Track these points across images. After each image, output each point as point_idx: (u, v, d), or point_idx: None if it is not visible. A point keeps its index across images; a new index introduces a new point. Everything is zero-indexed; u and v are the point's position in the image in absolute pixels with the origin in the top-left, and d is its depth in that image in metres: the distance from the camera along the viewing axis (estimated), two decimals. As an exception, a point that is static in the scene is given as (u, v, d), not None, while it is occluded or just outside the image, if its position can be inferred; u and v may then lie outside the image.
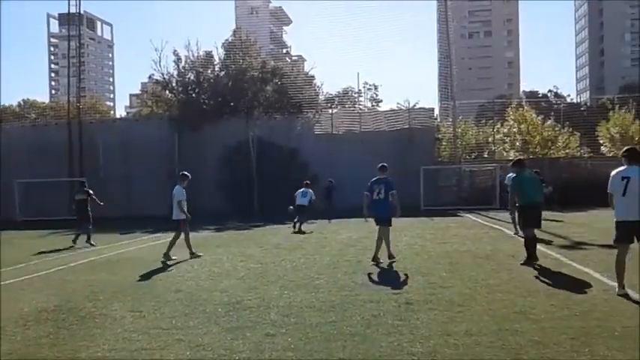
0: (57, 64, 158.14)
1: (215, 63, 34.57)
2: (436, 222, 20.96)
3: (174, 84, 33.95)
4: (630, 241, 7.86)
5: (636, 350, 5.39)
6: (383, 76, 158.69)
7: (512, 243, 13.88)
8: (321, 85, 38.10)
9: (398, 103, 37.22)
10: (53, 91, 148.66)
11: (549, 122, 34.55)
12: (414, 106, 34.73)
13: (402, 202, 24.00)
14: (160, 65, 33.41)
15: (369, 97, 42.58)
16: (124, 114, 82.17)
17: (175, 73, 33.76)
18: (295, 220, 20.05)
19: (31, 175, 30.35)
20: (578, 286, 8.39)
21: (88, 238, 17.04)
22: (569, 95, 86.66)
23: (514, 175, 11.18)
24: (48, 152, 31.63)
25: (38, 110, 50.45)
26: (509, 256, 11.51)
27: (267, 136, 30.68)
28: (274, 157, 30.08)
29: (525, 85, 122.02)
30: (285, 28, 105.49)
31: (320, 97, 36.76)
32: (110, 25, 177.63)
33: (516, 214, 12.87)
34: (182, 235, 13.25)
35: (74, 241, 16.88)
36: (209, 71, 34.34)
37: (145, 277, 10.53)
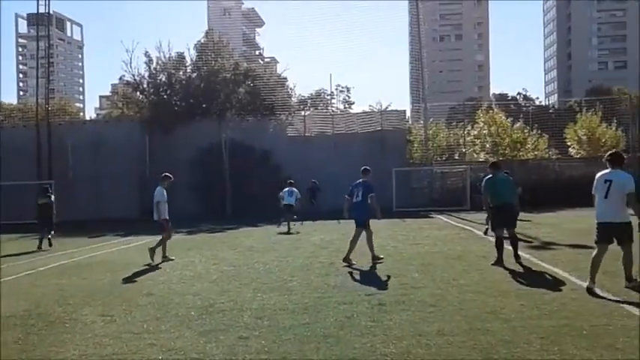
0: (25, 64, 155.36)
1: (187, 64, 34.35)
2: (408, 223, 21.11)
3: (145, 85, 33.61)
4: (609, 241, 8.10)
5: (604, 349, 5.50)
6: (355, 78, 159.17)
7: (483, 244, 14.06)
8: (294, 87, 38.06)
9: (370, 106, 37.34)
10: (21, 93, 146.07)
11: (518, 124, 35.01)
12: (387, 108, 34.93)
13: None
14: (130, 66, 33.07)
15: (341, 99, 42.63)
16: (94, 115, 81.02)
17: (146, 74, 33.44)
18: (282, 220, 20.40)
19: (-1, 177, 29.76)
20: (548, 285, 8.54)
21: (40, 242, 16.87)
22: (537, 98, 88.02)
23: (489, 176, 11.33)
24: (16, 154, 31.01)
25: (6, 112, 49.42)
26: (480, 257, 11.67)
27: (240, 138, 30.57)
28: (247, 159, 29.98)
29: (495, 88, 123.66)
30: (257, 29, 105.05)
31: (293, 99, 36.72)
32: (80, 25, 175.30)
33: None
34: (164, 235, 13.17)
35: (39, 246, 16.70)
36: (181, 72, 34.09)
37: (116, 281, 10.41)
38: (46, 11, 35.59)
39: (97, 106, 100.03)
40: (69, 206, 29.00)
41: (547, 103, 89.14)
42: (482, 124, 35.41)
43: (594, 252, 8.20)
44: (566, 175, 31.13)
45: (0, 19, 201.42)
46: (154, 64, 33.42)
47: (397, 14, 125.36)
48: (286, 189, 21.17)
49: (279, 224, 20.20)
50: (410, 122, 37.03)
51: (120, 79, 34.89)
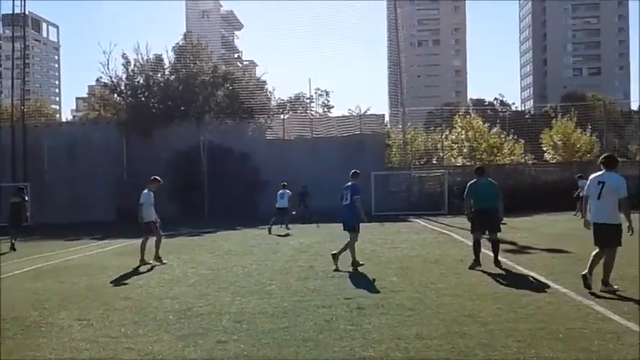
0: (0, 65, 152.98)
1: (165, 67, 34.16)
2: (387, 227, 21.20)
3: (122, 87, 33.34)
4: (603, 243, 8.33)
5: (579, 352, 5.58)
6: (334, 82, 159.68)
7: (460, 248, 14.19)
8: (273, 90, 38.12)
9: (349, 110, 37.61)
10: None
11: (495, 129, 35.42)
12: (365, 112, 35.19)
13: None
14: (108, 68, 32.78)
15: (320, 103, 42.82)
16: (70, 117, 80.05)
17: (124, 76, 33.19)
18: (272, 222, 20.60)
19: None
20: (524, 289, 8.62)
21: (12, 245, 16.78)
22: (513, 103, 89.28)
23: (473, 181, 11.46)
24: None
25: (-20, 113, 48.69)
26: (458, 261, 11.76)
27: (218, 142, 30.46)
28: (225, 162, 29.88)
29: (472, 93, 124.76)
30: (236, 32, 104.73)
31: (272, 102, 36.73)
32: (56, 26, 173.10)
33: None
34: (160, 235, 13.21)
35: (12, 248, 16.52)
36: (159, 75, 33.88)
37: (93, 284, 10.29)
38: (22, 12, 35.19)
39: (74, 107, 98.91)
40: (45, 209, 28.75)
41: (523, 109, 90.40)
42: (459, 129, 35.75)
43: (595, 250, 8.49)
44: (541, 179, 31.56)
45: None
46: (132, 66, 33.19)
47: (376, 19, 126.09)
48: (280, 191, 21.38)
49: (269, 229, 20.38)
50: (388, 126, 37.23)
51: (97, 80, 34.62)
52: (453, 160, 35.25)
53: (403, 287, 9.05)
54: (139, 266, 12.52)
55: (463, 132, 35.44)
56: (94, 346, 6.23)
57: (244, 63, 57.03)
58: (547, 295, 8.11)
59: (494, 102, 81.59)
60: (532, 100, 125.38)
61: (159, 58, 34.04)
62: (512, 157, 34.82)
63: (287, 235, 19.51)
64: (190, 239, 19.38)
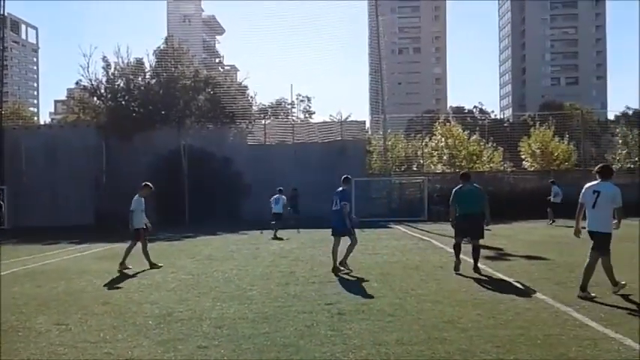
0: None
1: (146, 70, 33.90)
2: (367, 233, 21.24)
3: (102, 90, 33.02)
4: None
5: (557, 358, 5.67)
6: (316, 88, 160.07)
7: (440, 254, 14.29)
8: (255, 95, 38.07)
9: (330, 116, 37.63)
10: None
11: (474, 137, 35.71)
12: (347, 118, 35.22)
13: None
14: (87, 71, 32.43)
15: (302, 108, 42.88)
16: (48, 120, 79.08)
17: (104, 79, 32.87)
18: (274, 227, 20.90)
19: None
20: (503, 295, 8.71)
21: None
22: (493, 111, 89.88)
23: (458, 187, 11.66)
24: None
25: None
26: (438, 267, 11.86)
27: (199, 146, 30.31)
28: (206, 166, 29.75)
29: (452, 101, 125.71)
30: (217, 37, 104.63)
31: (253, 107, 36.67)
32: (35, 28, 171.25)
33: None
34: (147, 242, 13.15)
35: None
36: (139, 79, 33.63)
37: (71, 289, 10.18)
38: (0, 13, 34.72)
39: (52, 110, 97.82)
40: (23, 212, 28.38)
41: (502, 117, 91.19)
42: (439, 137, 35.98)
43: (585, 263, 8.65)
44: (520, 187, 31.90)
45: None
46: (112, 69, 32.90)
47: (357, 26, 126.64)
48: (274, 196, 21.65)
49: (275, 229, 20.74)
50: (369, 133, 37.40)
51: (76, 83, 34.29)
52: (432, 167, 35.46)
53: (384, 293, 9.09)
54: (118, 269, 12.43)
55: (443, 139, 35.67)
56: (72, 351, 6.18)
57: (226, 68, 57.02)
58: (526, 302, 8.20)
59: (474, 110, 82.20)
60: (511, 109, 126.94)
61: (140, 62, 33.81)
62: (491, 165, 35.13)
63: (278, 239, 19.71)
64: (170, 244, 19.24)
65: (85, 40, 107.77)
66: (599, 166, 8.94)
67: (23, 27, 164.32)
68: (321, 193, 26.07)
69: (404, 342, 6.23)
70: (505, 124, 50.66)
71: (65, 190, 29.58)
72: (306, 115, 41.96)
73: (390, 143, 34.60)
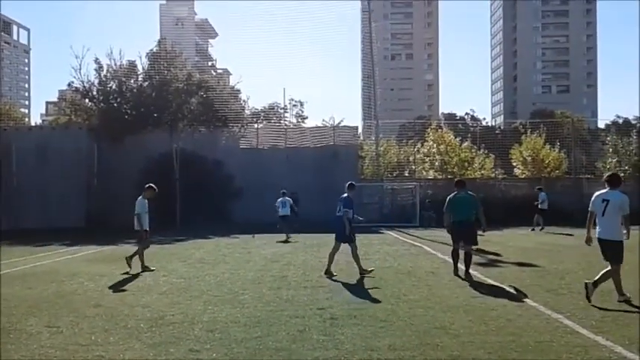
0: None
1: (138, 73, 33.77)
2: (359, 238, 21.00)
3: (94, 93, 32.87)
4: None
5: (547, 363, 5.71)
6: (309, 93, 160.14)
7: (432, 260, 14.33)
8: (247, 99, 38.00)
9: (323, 120, 37.65)
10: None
11: (466, 144, 35.85)
12: (339, 123, 35.23)
13: (325, 217, 24.02)
14: (80, 73, 32.25)
15: (294, 113, 42.79)
16: (39, 121, 78.62)
17: (96, 81, 32.70)
18: (284, 229, 21.22)
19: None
20: (495, 302, 8.75)
21: None
22: (484, 118, 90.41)
23: (452, 194, 11.94)
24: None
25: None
26: (429, 273, 11.89)
27: (192, 149, 30.23)
28: (198, 170, 29.66)
29: (444, 107, 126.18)
30: (210, 40, 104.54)
31: (246, 111, 36.62)
32: (27, 29, 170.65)
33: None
34: (143, 244, 13.16)
35: None
36: (132, 81, 33.51)
37: (62, 291, 10.13)
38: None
39: (44, 112, 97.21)
40: (13, 214, 28.19)
41: (493, 124, 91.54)
42: (431, 143, 36.09)
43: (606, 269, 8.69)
44: (511, 194, 32.06)
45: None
46: (105, 71, 32.76)
47: (350, 32, 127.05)
48: (280, 199, 21.93)
49: (287, 237, 20.91)
50: (361, 138, 37.44)
51: (68, 85, 34.05)
52: (424, 173, 35.54)
53: (376, 298, 9.11)
54: (142, 271, 12.55)
55: (435, 145, 35.77)
56: (63, 354, 6.16)
57: (218, 71, 56.91)
58: (517, 308, 8.24)
59: (466, 117, 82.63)
60: (502, 116, 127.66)
61: (132, 64, 33.69)
62: (482, 172, 35.25)
63: (287, 241, 20.14)
64: (162, 247, 19.14)
65: (78, 42, 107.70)
66: (607, 174, 9.15)
67: (15, 28, 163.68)
68: (313, 197, 26.22)
69: (396, 347, 6.25)
70: (496, 131, 50.91)
71: (56, 192, 29.38)
72: (299, 120, 41.88)
73: (382, 149, 34.68)
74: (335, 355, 5.99)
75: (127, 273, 12.33)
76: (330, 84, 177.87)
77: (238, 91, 37.10)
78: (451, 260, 11.93)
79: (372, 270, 11.55)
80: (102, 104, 32.70)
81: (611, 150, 37.18)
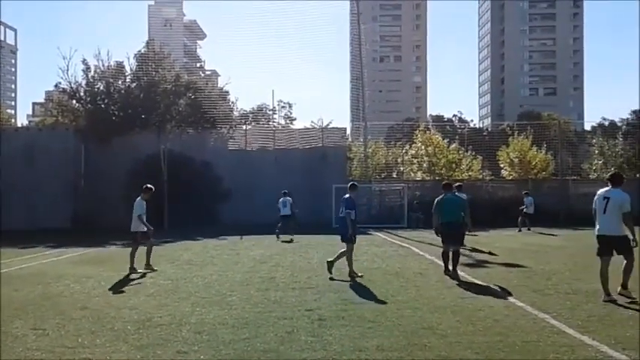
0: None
1: (126, 74, 33.59)
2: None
3: (82, 94, 32.65)
4: (610, 253, 8.82)
5: (534, 362, 5.75)
6: (297, 94, 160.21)
7: (420, 261, 14.37)
8: (236, 100, 37.94)
9: (312, 122, 37.63)
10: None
11: (454, 145, 35.97)
12: (327, 125, 35.24)
13: (313, 218, 24.08)
14: (67, 74, 32.02)
15: (283, 114, 42.79)
16: (25, 122, 78.04)
17: (84, 82, 32.49)
18: (277, 230, 21.51)
19: None
20: (482, 302, 8.79)
21: None
22: (472, 120, 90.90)
23: (440, 196, 12.19)
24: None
25: None
26: (417, 274, 11.92)
27: (179, 151, 30.12)
28: (186, 171, 29.56)
29: (432, 109, 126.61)
30: (199, 42, 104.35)
31: (234, 112, 36.56)
32: (14, 30, 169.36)
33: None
34: (139, 247, 13.17)
35: None
36: (120, 82, 33.32)
37: (48, 293, 10.06)
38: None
39: (30, 112, 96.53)
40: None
41: (481, 126, 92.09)
42: (419, 144, 36.17)
43: (599, 266, 8.87)
44: (498, 195, 32.22)
45: None
46: (92, 72, 32.56)
47: (339, 34, 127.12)
48: (281, 199, 22.20)
49: (277, 236, 21.30)
50: (350, 140, 37.49)
51: (55, 86, 33.73)
52: (412, 174, 35.62)
53: (364, 299, 9.13)
54: (148, 272, 12.61)
55: (423, 147, 35.85)
56: (49, 356, 6.12)
57: (207, 73, 56.80)
58: (504, 309, 8.28)
59: (454, 118, 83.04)
60: (490, 118, 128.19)
61: (120, 65, 33.51)
62: (470, 173, 35.36)
63: (291, 241, 20.38)
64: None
65: (65, 43, 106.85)
66: (610, 174, 9.45)
67: (2, 28, 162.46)
68: (302, 198, 26.18)
69: (384, 348, 6.26)
70: (484, 133, 51.15)
71: (43, 193, 29.14)
72: (287, 122, 41.90)
73: (370, 150, 34.74)
74: (323, 357, 6.00)
75: (153, 271, 12.68)
76: (319, 86, 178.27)
77: (227, 92, 37.07)
78: (439, 261, 12.05)
79: (362, 275, 11.53)
80: (89, 105, 32.48)
81: (597, 152, 37.50)
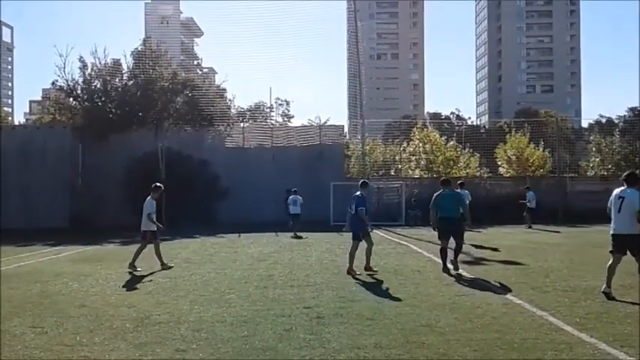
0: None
1: (123, 72, 33.50)
2: (346, 237, 21.15)
3: (79, 91, 32.58)
4: (624, 252, 8.87)
5: (532, 360, 5.76)
6: (295, 92, 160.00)
7: (418, 258, 14.39)
8: (233, 98, 37.95)
9: (309, 120, 37.68)
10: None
11: (451, 143, 35.99)
12: (325, 122, 35.28)
13: (312, 216, 24.08)
14: (64, 71, 31.92)
15: (280, 112, 42.85)
16: (22, 120, 77.82)
17: (81, 80, 32.41)
18: (292, 227, 22.17)
19: None
20: (480, 299, 8.80)
21: None
22: (469, 118, 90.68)
23: (438, 192, 12.29)
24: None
25: None
26: (415, 271, 11.94)
27: (177, 148, 30.06)
28: (184, 169, 29.50)
29: (429, 107, 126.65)
30: (196, 39, 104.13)
31: (232, 110, 36.53)
32: (10, 27, 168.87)
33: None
34: (147, 246, 13.20)
35: None
36: (117, 80, 33.25)
37: (46, 291, 10.04)
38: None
39: (27, 110, 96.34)
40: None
41: (478, 123, 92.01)
42: (417, 142, 36.20)
43: (609, 261, 8.90)
44: (495, 193, 32.26)
45: None
46: (89, 70, 32.47)
47: (336, 32, 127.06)
48: (290, 197, 22.80)
49: (294, 232, 21.80)
50: (347, 137, 37.47)
51: (52, 84, 33.69)
52: (410, 172, 35.64)
53: (362, 297, 9.13)
54: (162, 269, 12.62)
55: (420, 145, 35.89)
56: (48, 355, 6.11)
57: (204, 70, 56.69)
58: (502, 306, 8.29)
59: (451, 116, 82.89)
60: (487, 115, 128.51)
61: (117, 63, 33.43)
62: (467, 171, 35.39)
63: (300, 237, 20.96)
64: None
65: (62, 40, 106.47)
66: (625, 173, 9.45)
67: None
68: (300, 196, 26.14)
69: (382, 346, 6.27)
70: (481, 131, 51.21)
71: (40, 192, 29.05)
72: (285, 119, 41.97)
73: (368, 148, 34.73)
74: (321, 354, 6.00)
75: (168, 268, 12.72)
76: (317, 83, 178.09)
77: (224, 90, 37.10)
78: (437, 259, 12.08)
79: (360, 274, 11.54)
80: (86, 103, 32.42)
81: (594, 149, 37.57)
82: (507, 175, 35.46)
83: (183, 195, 28.70)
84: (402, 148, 36.64)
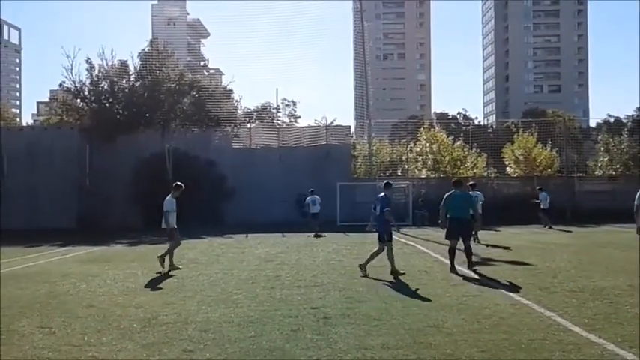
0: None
1: (130, 73, 33.63)
2: (352, 237, 21.26)
3: (86, 92, 32.72)
4: None
5: (540, 360, 5.73)
6: (301, 92, 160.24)
7: (425, 259, 14.36)
8: (240, 99, 38.01)
9: (315, 120, 37.73)
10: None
11: (459, 143, 35.90)
12: (332, 123, 35.28)
13: (319, 217, 23.88)
14: (71, 73, 32.08)
15: (287, 112, 42.91)
16: (30, 122, 78.14)
17: (88, 81, 32.55)
18: (315, 226, 23.05)
19: None
20: (488, 300, 8.77)
21: None
22: (476, 118, 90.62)
23: (450, 192, 12.42)
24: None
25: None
26: (422, 272, 11.93)
27: (184, 149, 30.14)
28: (191, 170, 29.52)
29: (436, 107, 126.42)
30: (202, 40, 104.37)
31: (238, 111, 36.60)
32: (18, 29, 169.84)
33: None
34: (180, 242, 13.38)
35: None
36: (124, 81, 33.38)
37: (54, 291, 10.09)
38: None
39: (35, 112, 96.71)
40: (4, 215, 27.97)
41: (485, 123, 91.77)
42: (424, 142, 36.14)
43: None
44: (503, 193, 32.15)
45: None
46: (96, 71, 32.61)
47: (343, 32, 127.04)
48: (309, 197, 23.56)
49: (316, 231, 22.67)
50: (354, 138, 37.48)
51: (60, 85, 33.86)
52: (417, 172, 35.59)
53: (369, 297, 9.12)
54: (169, 271, 12.51)
55: (427, 145, 35.83)
56: (56, 354, 6.13)
57: (210, 71, 56.87)
58: (510, 307, 8.26)
59: (458, 116, 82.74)
60: (494, 115, 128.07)
61: (124, 64, 33.56)
62: (474, 171, 35.30)
63: (319, 236, 21.67)
64: (154, 247, 19.07)
65: (69, 42, 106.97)
66: None
67: (6, 28, 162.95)
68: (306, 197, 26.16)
69: (389, 346, 6.26)
70: (489, 131, 51.07)
71: (48, 193, 29.19)
72: (292, 120, 42.04)
73: (374, 148, 34.71)
74: (328, 354, 5.99)
75: (159, 273, 12.32)
76: (323, 84, 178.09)
77: (231, 90, 37.18)
78: (444, 259, 12.07)
79: (404, 273, 11.46)
80: (94, 104, 32.56)
81: (602, 149, 37.40)
82: (515, 176, 35.36)
83: (190, 196, 28.63)
84: (408, 149, 36.60)
